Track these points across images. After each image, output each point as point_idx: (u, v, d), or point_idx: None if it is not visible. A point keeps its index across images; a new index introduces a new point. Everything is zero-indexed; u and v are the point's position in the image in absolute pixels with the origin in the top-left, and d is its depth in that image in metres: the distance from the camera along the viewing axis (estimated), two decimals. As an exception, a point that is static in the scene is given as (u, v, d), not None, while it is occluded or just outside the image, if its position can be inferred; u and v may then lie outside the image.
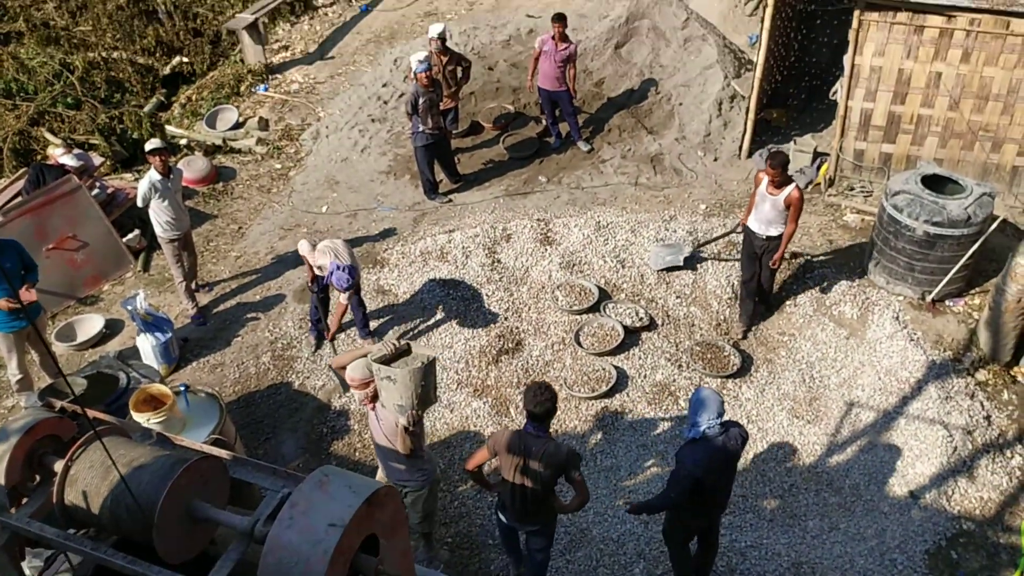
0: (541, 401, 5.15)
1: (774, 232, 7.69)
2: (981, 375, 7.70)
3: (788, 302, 8.52)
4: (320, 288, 7.90)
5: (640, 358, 8.06)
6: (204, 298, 8.92)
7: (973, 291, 8.47)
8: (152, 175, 7.94)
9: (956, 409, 7.30)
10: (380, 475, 6.00)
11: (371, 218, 10.03)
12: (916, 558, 6.39)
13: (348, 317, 8.12)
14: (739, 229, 8.20)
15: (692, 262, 8.78)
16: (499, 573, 6.41)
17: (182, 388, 6.53)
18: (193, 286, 8.73)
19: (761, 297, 8.28)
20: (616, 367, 7.92)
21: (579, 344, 8.17)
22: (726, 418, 5.40)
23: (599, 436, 7.44)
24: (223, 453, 4.21)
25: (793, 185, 7.49)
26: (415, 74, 9.40)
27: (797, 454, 7.24)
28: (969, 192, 8.02)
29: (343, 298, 7.66)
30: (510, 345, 8.24)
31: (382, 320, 8.51)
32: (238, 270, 9.35)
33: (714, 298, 8.58)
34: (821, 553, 6.45)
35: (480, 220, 9.72)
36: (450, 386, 7.89)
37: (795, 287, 8.64)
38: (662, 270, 8.73)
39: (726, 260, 8.79)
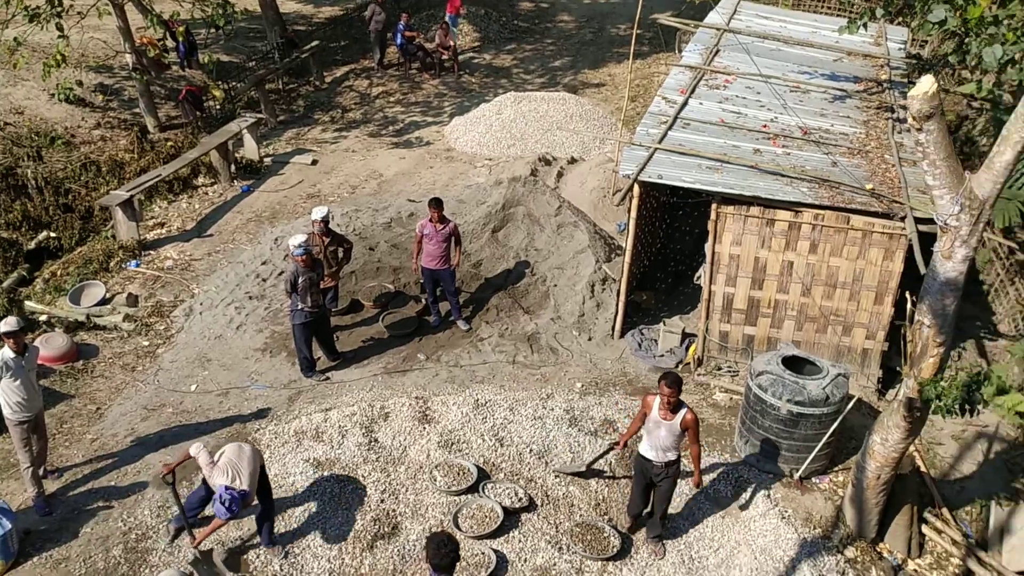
0: (446, 553, 5.29)
1: (672, 457, 7.35)
2: (850, 552, 7.87)
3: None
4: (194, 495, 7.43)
5: (520, 540, 7.86)
6: (52, 485, 8.23)
7: (836, 468, 8.82)
8: (4, 353, 7.50)
9: (829, 588, 7.39)
10: None
11: (244, 396, 9.68)
12: None
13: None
14: (616, 450, 8.17)
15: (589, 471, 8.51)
16: None
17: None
18: (41, 472, 8.07)
19: (651, 518, 7.89)
20: (495, 551, 7.68)
21: (457, 527, 7.91)
22: None
23: None
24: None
25: (685, 408, 7.17)
26: (294, 256, 9.44)
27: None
28: (826, 373, 8.50)
29: (219, 519, 7.20)
30: (386, 529, 7.89)
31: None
32: (93, 454, 8.73)
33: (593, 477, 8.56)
34: None
35: (358, 398, 9.54)
36: (320, 577, 7.42)
37: (671, 465, 8.75)
38: (563, 473, 8.51)
39: (620, 478, 8.53)
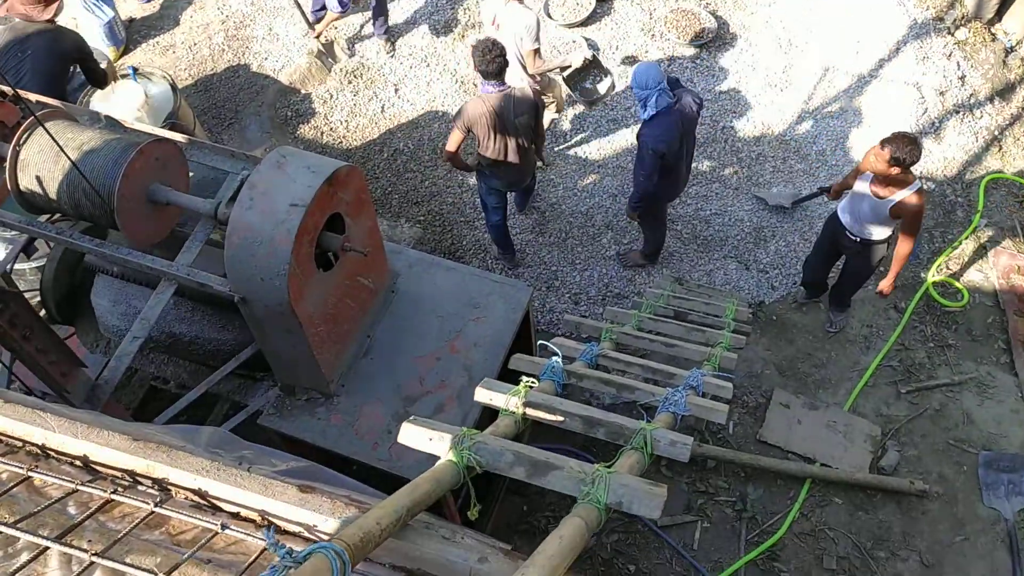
0: (492, 59, 5.08)
1: (872, 236, 5.30)
2: (961, 33, 7.47)
3: (771, -38, 8.00)
4: None
5: (612, 28, 7.71)
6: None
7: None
8: None
9: (932, 70, 7.17)
10: None
11: None
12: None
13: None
14: (827, 197, 5.84)
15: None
16: (470, 248, 6.62)
17: (130, 71, 6.22)
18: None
19: (834, 295, 6.07)
20: (587, 39, 7.60)
21: (549, 16, 7.75)
22: (688, 88, 5.30)
23: (568, 112, 7.31)
24: (178, 136, 4.11)
25: (913, 189, 4.92)
26: None
27: (767, 123, 7.20)
28: None
29: (332, 12, 7.11)
30: (477, 19, 7.81)
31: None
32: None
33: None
34: (781, 218, 6.66)
35: None
36: (416, 64, 7.59)
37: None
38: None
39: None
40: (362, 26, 7.83)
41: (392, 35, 7.74)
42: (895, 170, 4.77)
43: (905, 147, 4.66)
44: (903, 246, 5.14)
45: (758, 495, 5.23)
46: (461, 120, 5.32)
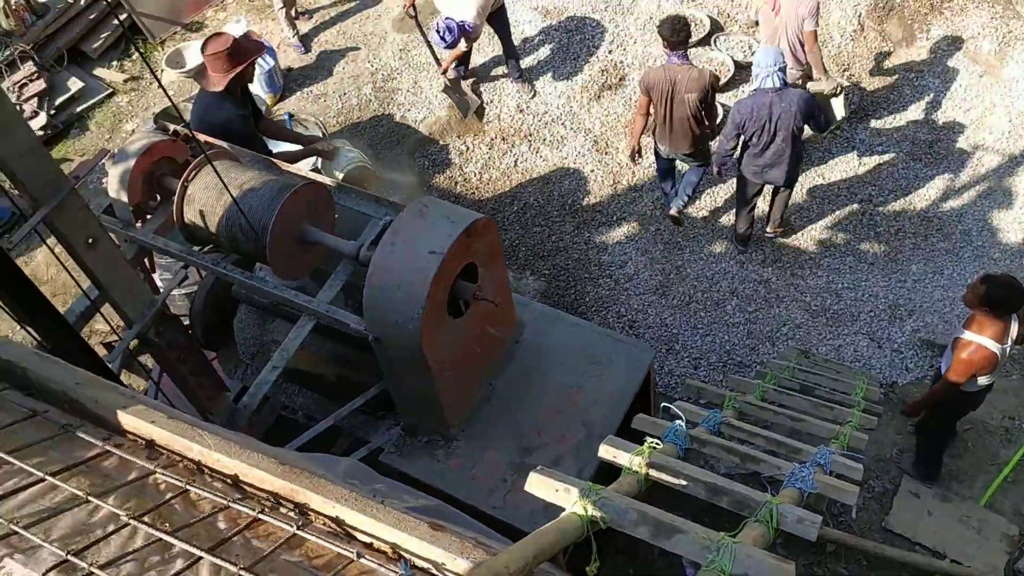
0: (678, 29, 5.86)
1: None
2: None
3: (919, 33, 7.83)
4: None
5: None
6: (304, 25, 8.80)
7: None
8: None
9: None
10: None
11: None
12: None
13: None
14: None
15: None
16: (592, 304, 6.66)
17: (286, 116, 6.63)
18: (293, 13, 8.59)
19: None
20: (722, 105, 7.60)
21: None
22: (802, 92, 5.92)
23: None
24: (327, 180, 4.35)
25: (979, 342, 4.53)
26: None
27: (909, 198, 6.98)
28: None
29: (437, 46, 7.40)
30: (613, 80, 7.95)
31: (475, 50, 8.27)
32: (337, -4, 9.13)
33: (836, 29, 7.93)
34: (921, 296, 6.41)
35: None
36: (551, 122, 7.77)
37: (928, 17, 7.89)
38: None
39: None
40: (498, 74, 8.07)
41: (527, 77, 7.94)
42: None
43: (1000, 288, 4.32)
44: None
45: (880, 586, 4.97)
46: (643, 83, 6.14)
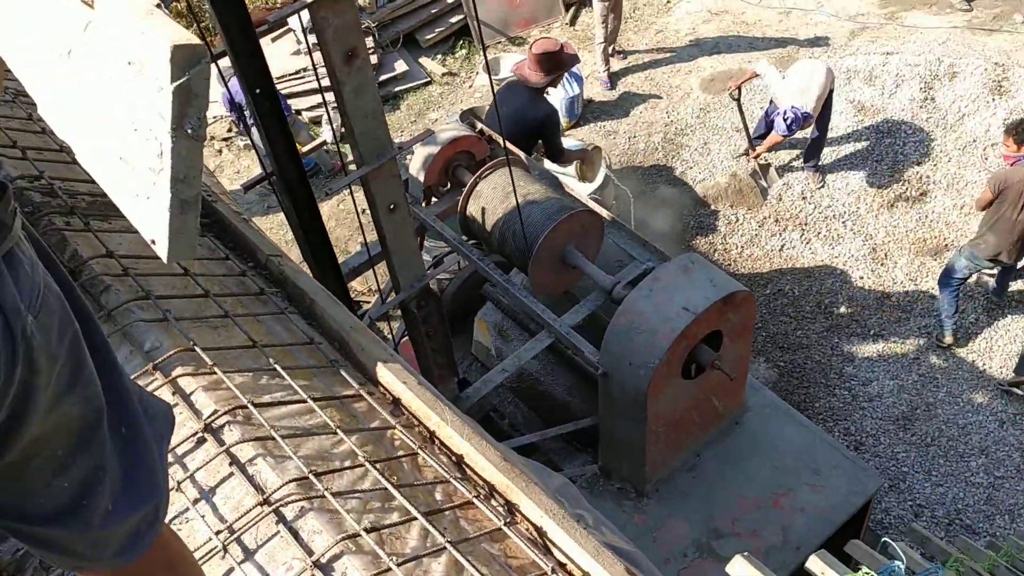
0: None
1: None
2: None
3: None
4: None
5: None
6: (616, 64, 9.09)
7: None
8: None
9: None
10: None
11: (805, 19, 9.33)
12: None
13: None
14: None
15: None
16: (820, 411, 6.31)
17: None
18: (610, 50, 8.90)
19: None
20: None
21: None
22: None
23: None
24: (604, 213, 4.46)
25: None
26: None
27: None
28: None
29: (777, 135, 7.32)
30: (913, 193, 7.51)
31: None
32: (655, 44, 9.33)
33: None
34: None
35: (925, 48, 8.61)
36: (831, 217, 7.48)
37: None
38: None
39: None
40: (791, 155, 7.89)
41: (821, 168, 7.69)
42: None
43: None
44: None
45: None
46: (996, 181, 5.90)
